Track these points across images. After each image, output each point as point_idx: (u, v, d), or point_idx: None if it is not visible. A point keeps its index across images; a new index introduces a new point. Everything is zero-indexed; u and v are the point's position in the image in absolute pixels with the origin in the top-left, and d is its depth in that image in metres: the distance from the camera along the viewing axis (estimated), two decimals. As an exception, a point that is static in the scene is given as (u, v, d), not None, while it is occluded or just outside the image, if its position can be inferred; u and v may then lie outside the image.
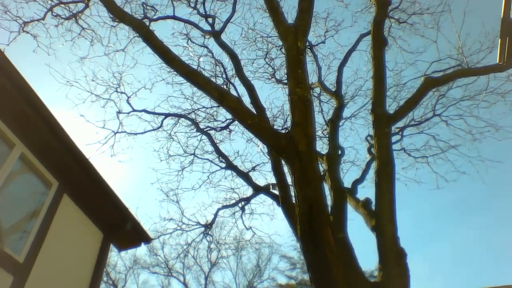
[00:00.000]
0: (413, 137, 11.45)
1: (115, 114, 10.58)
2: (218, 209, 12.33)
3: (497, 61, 4.66)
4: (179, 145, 12.09)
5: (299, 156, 5.59)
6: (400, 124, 10.13)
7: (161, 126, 11.54)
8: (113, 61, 10.59)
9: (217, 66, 11.40)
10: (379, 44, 7.47)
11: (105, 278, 24.73)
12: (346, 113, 10.59)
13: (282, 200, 7.61)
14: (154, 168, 11.86)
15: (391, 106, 10.51)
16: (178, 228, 12.30)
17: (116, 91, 10.55)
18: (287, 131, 6.55)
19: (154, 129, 11.45)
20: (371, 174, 10.53)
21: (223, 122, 12.32)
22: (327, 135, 9.68)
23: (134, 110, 10.77)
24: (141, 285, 27.04)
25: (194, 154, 12.34)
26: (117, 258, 24.95)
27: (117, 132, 10.67)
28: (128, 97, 10.67)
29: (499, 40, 4.48)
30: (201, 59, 11.25)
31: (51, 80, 9.77)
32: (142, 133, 11.33)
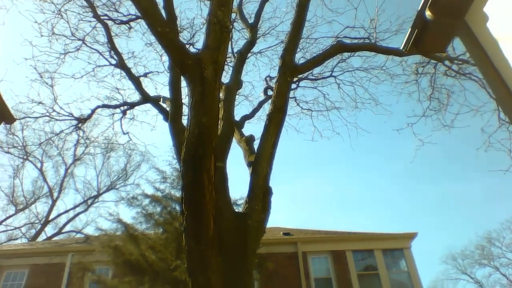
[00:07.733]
0: (306, 89, 12.15)
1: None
2: (98, 106, 11.66)
3: (401, 47, 5.06)
4: (67, 25, 10.69)
5: (202, 81, 5.45)
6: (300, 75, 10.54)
7: (50, -4, 9.94)
8: None
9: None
10: (308, -8, 7.41)
11: None
12: (254, 48, 10.49)
13: (172, 118, 7.47)
14: (32, 42, 10.26)
15: (297, 56, 10.81)
16: (47, 114, 11.37)
17: None
18: (197, 51, 6.24)
19: (41, -3, 9.81)
20: (261, 113, 11.00)
21: (125, 16, 11.18)
22: (232, 65, 9.58)
23: (20, -32, 8.98)
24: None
25: (83, 40, 11.12)
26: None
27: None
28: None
29: (409, 29, 4.87)
30: None
31: None
32: (24, -3, 9.62)
